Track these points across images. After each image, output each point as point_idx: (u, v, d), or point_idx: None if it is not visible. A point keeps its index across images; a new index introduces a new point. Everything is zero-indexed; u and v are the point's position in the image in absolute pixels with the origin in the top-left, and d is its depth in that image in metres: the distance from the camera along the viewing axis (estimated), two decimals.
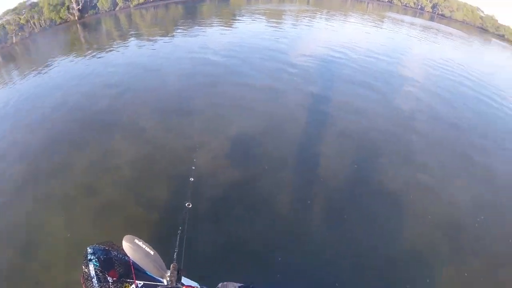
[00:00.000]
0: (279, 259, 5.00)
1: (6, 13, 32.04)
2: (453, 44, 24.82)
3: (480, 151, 8.75)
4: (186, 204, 3.54)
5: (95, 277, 2.66)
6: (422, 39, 22.64)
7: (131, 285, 2.78)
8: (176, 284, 2.45)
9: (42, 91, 12.90)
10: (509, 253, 5.76)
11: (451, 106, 11.04)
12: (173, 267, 2.53)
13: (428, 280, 4.98)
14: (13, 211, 6.28)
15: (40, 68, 17.32)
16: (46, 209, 6.23)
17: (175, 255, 2.73)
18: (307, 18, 25.82)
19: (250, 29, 19.85)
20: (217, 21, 23.13)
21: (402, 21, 31.21)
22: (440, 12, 43.74)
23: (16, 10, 32.31)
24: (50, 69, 16.37)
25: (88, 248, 2.87)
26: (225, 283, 2.09)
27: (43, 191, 6.67)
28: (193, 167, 4.57)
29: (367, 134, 8.79)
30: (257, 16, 25.38)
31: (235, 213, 5.81)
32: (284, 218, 5.79)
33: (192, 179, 4.10)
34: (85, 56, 17.73)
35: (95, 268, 2.68)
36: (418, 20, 35.39)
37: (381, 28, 24.65)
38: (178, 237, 2.99)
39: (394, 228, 5.92)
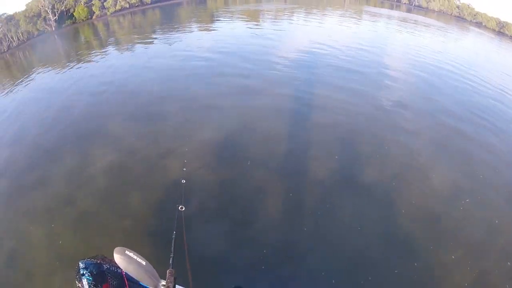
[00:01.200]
0: (272, 260, 5.01)
1: None
2: (431, 34, 25.40)
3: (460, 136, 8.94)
4: (179, 208, 3.47)
5: None
6: (401, 31, 23.18)
7: None
8: None
9: (20, 105, 12.84)
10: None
11: (431, 93, 11.27)
12: (169, 273, 2.54)
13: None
14: None
15: (19, 81, 17.27)
16: (29, 221, 6.29)
17: (170, 260, 2.72)
18: (286, 16, 26.12)
19: (230, 30, 20.03)
20: (196, 24, 23.26)
21: (380, 14, 31.80)
22: (416, 4, 44.58)
23: None
24: (29, 83, 16.34)
25: (80, 263, 2.82)
26: None
27: (25, 204, 6.75)
28: (184, 169, 4.54)
29: (353, 125, 8.97)
30: (236, 17, 25.59)
31: (228, 213, 5.85)
32: (277, 218, 5.85)
33: (184, 181, 4.03)
34: (64, 67, 17.68)
35: (88, 283, 2.64)
36: (395, 13, 36.09)
37: (359, 22, 25.16)
38: (173, 242, 2.94)
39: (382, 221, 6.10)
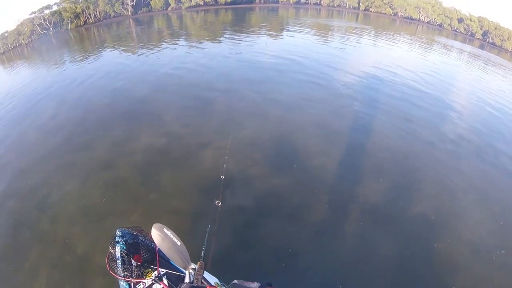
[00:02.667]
0: (306, 263, 4.71)
1: (64, 0, 33.97)
2: (503, 74, 23.47)
3: None
4: (216, 202, 3.48)
5: (119, 259, 2.71)
6: (471, 67, 21.55)
7: (153, 271, 2.79)
8: (202, 283, 2.42)
9: (88, 76, 13.45)
10: None
11: (494, 136, 9.72)
12: (199, 265, 2.51)
13: None
14: (38, 173, 6.92)
15: (91, 55, 18.01)
16: (67, 175, 6.73)
17: (202, 253, 2.70)
18: (355, 35, 25.41)
19: (298, 40, 19.74)
20: (265, 30, 23.17)
21: (452, 46, 30.06)
22: (490, 41, 41.88)
23: None
24: (99, 58, 16.95)
25: (117, 230, 2.91)
26: (240, 280, 2.02)
27: (68, 161, 7.25)
28: (224, 165, 4.26)
29: (403, 153, 7.96)
30: (305, 28, 25.28)
31: (264, 214, 5.54)
32: (315, 222, 5.47)
33: (223, 177, 3.94)
34: (135, 50, 18.15)
35: (121, 251, 2.72)
36: (467, 47, 33.99)
37: (429, 51, 23.80)
38: (206, 235, 2.95)
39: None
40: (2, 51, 30.37)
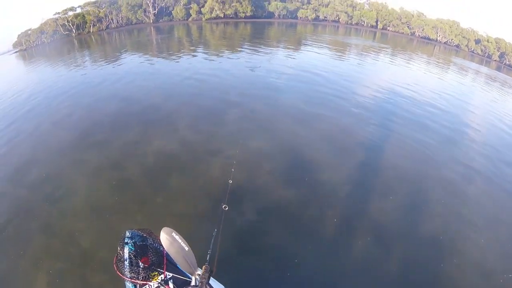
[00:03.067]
0: (311, 274, 4.65)
1: (87, 3, 34.86)
2: None
3: None
4: (223, 206, 3.46)
5: (127, 260, 2.73)
6: (487, 88, 21.27)
7: (160, 274, 2.80)
8: (204, 286, 2.42)
9: (106, 80, 13.81)
10: None
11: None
12: (205, 268, 2.50)
13: None
14: (51, 166, 7.18)
15: (111, 59, 18.44)
16: (78, 171, 6.95)
17: (208, 257, 2.71)
18: (372, 53, 25.50)
19: (314, 58, 19.86)
20: (283, 45, 23.48)
21: (468, 68, 29.86)
22: (507, 62, 41.45)
23: (96, 3, 35.04)
24: (118, 62, 17.35)
25: (126, 232, 2.92)
26: None
27: (81, 157, 7.47)
28: (233, 169, 4.27)
29: (414, 175, 7.79)
30: (323, 45, 25.47)
31: (271, 222, 5.52)
32: (322, 234, 5.41)
33: (231, 182, 3.94)
34: (154, 57, 18.55)
35: (129, 252, 2.75)
36: (484, 69, 33.67)
37: (446, 72, 23.69)
38: (212, 239, 2.94)
39: None
40: (25, 47, 31.06)
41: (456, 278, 5.10)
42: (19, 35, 32.63)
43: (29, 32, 33.42)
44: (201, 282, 2.35)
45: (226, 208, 3.44)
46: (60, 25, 33.17)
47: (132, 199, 6.05)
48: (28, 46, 31.03)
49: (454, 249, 5.65)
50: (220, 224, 3.11)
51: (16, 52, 29.73)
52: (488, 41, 43.64)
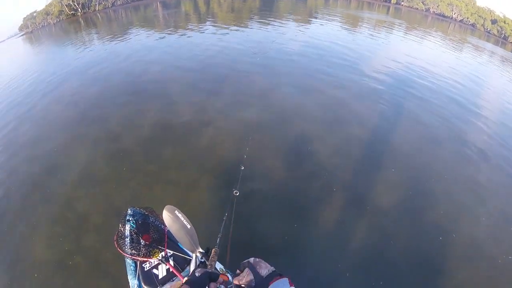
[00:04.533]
0: (320, 257, 4.59)
1: None
2: None
3: None
4: (234, 192, 3.46)
5: (128, 237, 2.77)
6: (503, 72, 20.36)
7: (161, 252, 2.83)
8: (215, 269, 2.37)
9: (109, 55, 13.78)
10: None
11: None
12: (214, 251, 2.44)
13: None
14: (53, 141, 7.42)
15: (117, 36, 18.24)
16: (78, 144, 7.24)
17: (217, 240, 2.67)
18: (385, 28, 24.62)
19: (325, 32, 19.20)
20: (292, 19, 22.74)
21: (483, 48, 28.74)
22: None
23: None
24: (124, 40, 17.11)
25: (128, 209, 2.95)
26: (257, 259, 1.86)
27: (81, 131, 7.70)
28: (245, 156, 4.31)
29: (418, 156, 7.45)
30: (335, 19, 24.68)
31: (282, 209, 5.34)
32: (333, 218, 5.27)
33: (243, 168, 3.93)
34: (161, 32, 18.25)
35: (130, 229, 2.78)
36: (499, 50, 32.43)
37: (460, 51, 22.78)
38: (223, 223, 2.93)
39: None
40: (31, 30, 30.99)
41: (455, 250, 5.09)
42: (24, 18, 32.44)
43: (34, 14, 33.15)
44: (211, 265, 2.30)
45: (237, 194, 3.43)
46: (65, 5, 32.82)
47: (127, 171, 6.18)
48: (35, 29, 30.91)
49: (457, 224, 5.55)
50: (234, 209, 3.17)
51: (22, 35, 29.55)
52: (505, 22, 42.05)
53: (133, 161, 6.44)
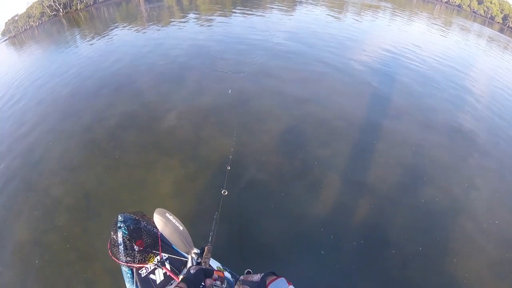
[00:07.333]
0: (319, 255, 4.50)
1: None
2: None
3: None
4: (222, 192, 3.49)
5: (122, 244, 2.70)
6: (491, 52, 20.33)
7: (156, 256, 2.82)
8: (209, 266, 2.41)
9: (93, 55, 13.57)
10: None
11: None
12: (207, 249, 2.50)
13: None
14: (33, 137, 7.76)
15: (98, 34, 18.09)
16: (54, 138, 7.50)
17: (210, 238, 2.70)
18: (370, 12, 24.49)
19: (310, 20, 18.94)
20: (277, 6, 22.53)
21: (469, 29, 28.79)
22: (511, 25, 40.21)
23: None
24: (108, 37, 16.97)
25: (118, 216, 2.86)
26: (244, 275, 1.95)
27: (58, 127, 7.96)
28: (231, 156, 4.33)
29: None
30: (320, 4, 24.49)
31: (269, 209, 5.20)
32: (323, 213, 5.14)
33: (229, 168, 3.97)
34: (144, 27, 18.07)
35: (123, 236, 2.71)
36: (487, 30, 32.53)
37: (447, 32, 22.76)
38: (213, 221, 2.96)
39: None
40: (13, 34, 30.52)
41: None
42: (6, 23, 32.24)
43: (16, 18, 32.55)
44: (205, 262, 2.37)
45: (226, 193, 3.45)
46: (47, 6, 32.25)
47: (99, 161, 6.40)
48: (17, 32, 30.68)
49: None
50: (220, 206, 3.20)
51: (5, 40, 29.40)
52: (491, 2, 42.27)
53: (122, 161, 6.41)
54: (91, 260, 4.38)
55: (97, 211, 5.17)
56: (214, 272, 1.94)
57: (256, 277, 1.81)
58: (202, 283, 1.84)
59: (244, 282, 1.85)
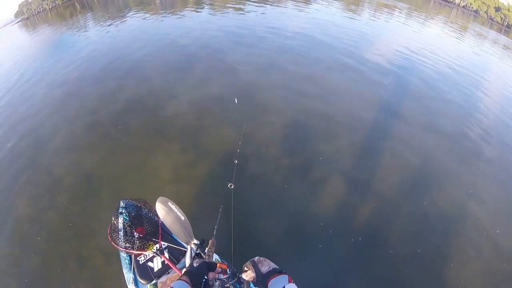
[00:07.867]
0: (319, 250, 4.50)
1: None
2: None
3: None
4: (229, 185, 3.44)
5: (122, 230, 2.71)
6: (506, 60, 19.82)
7: (155, 244, 2.82)
8: (212, 259, 2.37)
9: (108, 38, 13.75)
10: None
11: None
12: (211, 242, 2.46)
13: None
14: (39, 118, 7.85)
15: (114, 18, 18.11)
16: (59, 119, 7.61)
17: (214, 232, 2.63)
18: (385, 12, 24.09)
19: (324, 16, 18.68)
20: (292, 1, 22.23)
21: (485, 36, 28.15)
22: None
23: None
24: (120, 22, 16.95)
25: (121, 201, 2.88)
26: (261, 258, 1.82)
27: (63, 109, 8.08)
28: (238, 150, 4.21)
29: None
30: (336, 1, 24.11)
31: (271, 200, 5.23)
32: (325, 215, 5.07)
33: (237, 161, 3.93)
34: (156, 14, 17.94)
35: (123, 222, 2.72)
36: (503, 38, 31.82)
37: (462, 38, 22.27)
38: (219, 215, 2.88)
39: None
40: (27, 16, 30.56)
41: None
42: (19, 5, 32.27)
43: (29, 0, 32.57)
44: (208, 255, 2.35)
45: (232, 187, 3.43)
46: None
47: (103, 145, 6.52)
48: (30, 15, 30.66)
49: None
50: (228, 200, 3.21)
51: (18, 21, 29.47)
52: (509, 10, 41.35)
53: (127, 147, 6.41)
54: (87, 239, 4.49)
55: (96, 192, 5.25)
56: (218, 265, 1.93)
57: (266, 268, 1.76)
58: (205, 277, 1.83)
59: (255, 265, 1.80)
